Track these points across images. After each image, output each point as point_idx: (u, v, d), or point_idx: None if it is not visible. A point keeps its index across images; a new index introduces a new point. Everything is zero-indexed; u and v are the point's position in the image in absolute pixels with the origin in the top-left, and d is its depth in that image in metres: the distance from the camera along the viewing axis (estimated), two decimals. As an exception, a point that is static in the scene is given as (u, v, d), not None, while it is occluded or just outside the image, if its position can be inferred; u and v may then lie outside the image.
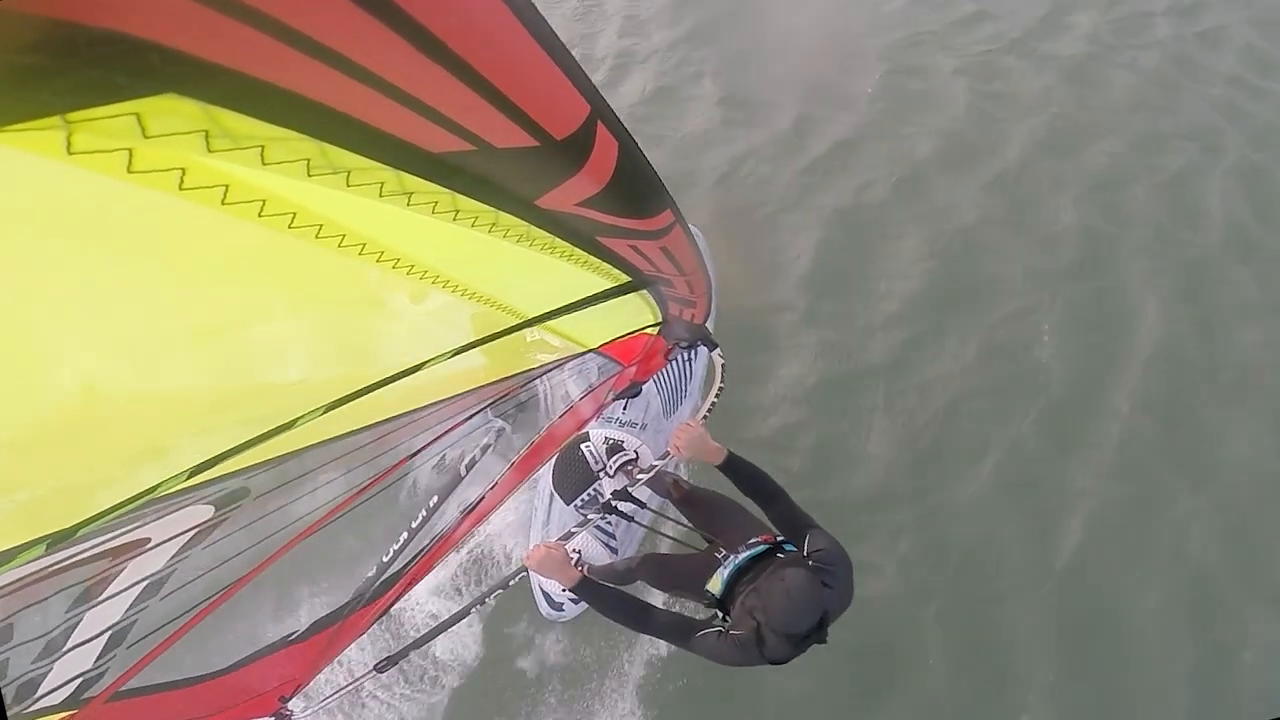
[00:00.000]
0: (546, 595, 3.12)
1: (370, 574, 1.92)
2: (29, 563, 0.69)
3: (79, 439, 0.75)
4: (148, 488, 0.80)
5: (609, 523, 3.20)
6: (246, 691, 1.68)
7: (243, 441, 1.00)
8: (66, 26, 0.41)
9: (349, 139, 0.63)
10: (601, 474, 3.24)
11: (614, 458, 3.24)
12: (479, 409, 1.79)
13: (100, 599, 0.92)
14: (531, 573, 3.13)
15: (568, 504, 3.24)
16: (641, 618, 2.14)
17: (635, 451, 3.26)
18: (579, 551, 3.11)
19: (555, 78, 0.76)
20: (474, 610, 2.48)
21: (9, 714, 0.88)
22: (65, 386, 0.71)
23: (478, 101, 0.69)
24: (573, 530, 2.45)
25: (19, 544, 0.65)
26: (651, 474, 2.50)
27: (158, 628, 1.11)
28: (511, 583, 2.53)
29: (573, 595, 2.98)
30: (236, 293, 0.86)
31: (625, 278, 1.40)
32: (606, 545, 3.18)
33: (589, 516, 2.49)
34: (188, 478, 0.89)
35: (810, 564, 2.06)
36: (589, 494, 3.24)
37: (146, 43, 0.44)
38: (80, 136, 0.49)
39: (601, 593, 2.17)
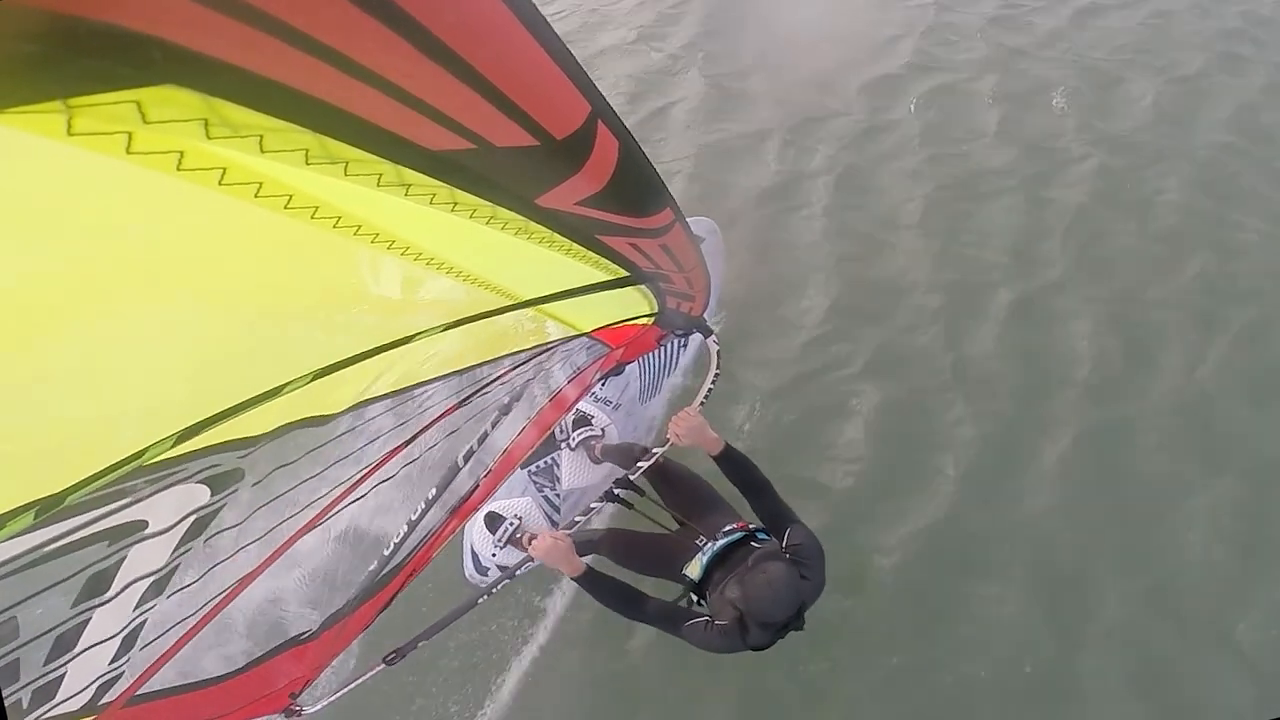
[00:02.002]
0: (475, 557, 3.04)
1: (372, 567, 1.96)
2: (21, 535, 0.71)
3: (62, 394, 0.76)
4: (134, 452, 0.82)
5: (558, 495, 3.17)
6: (258, 691, 1.71)
7: (230, 406, 1.02)
8: (69, 20, 0.41)
9: (348, 133, 0.64)
10: (563, 445, 3.22)
11: (579, 430, 3.20)
12: (470, 392, 1.81)
13: (106, 595, 0.94)
14: (464, 530, 3.15)
15: (522, 468, 3.21)
16: (635, 606, 2.23)
17: (602, 429, 3.22)
18: (520, 518, 3.04)
19: (556, 77, 0.77)
20: (480, 600, 2.50)
21: (30, 718, 0.91)
22: (47, 340, 0.72)
23: (477, 100, 0.69)
24: (592, 506, 2.47)
25: (7, 510, 0.67)
26: (653, 461, 2.53)
27: (168, 629, 1.13)
28: (518, 572, 2.55)
29: (501, 564, 3.00)
30: (226, 260, 0.87)
31: (623, 272, 1.41)
32: (548, 517, 3.15)
33: (593, 507, 2.52)
34: (175, 443, 0.91)
35: (788, 556, 2.12)
36: (545, 462, 3.21)
37: (148, 38, 0.45)
38: (81, 120, 0.50)
39: (601, 581, 2.25)
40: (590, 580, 2.22)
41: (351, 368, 1.22)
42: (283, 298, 1.03)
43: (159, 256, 0.78)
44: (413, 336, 1.33)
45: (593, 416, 3.24)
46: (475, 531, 3.05)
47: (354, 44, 0.55)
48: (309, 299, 1.10)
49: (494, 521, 3.02)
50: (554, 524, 3.13)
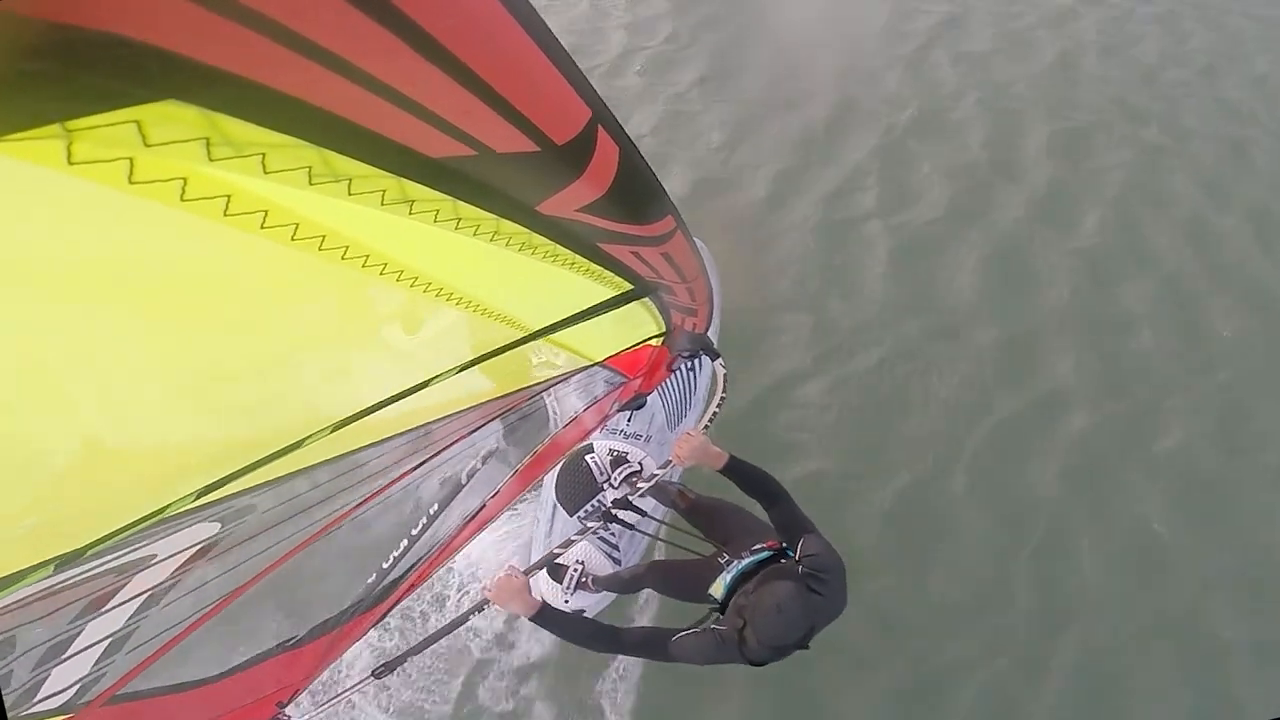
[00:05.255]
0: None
1: (370, 580, 1.91)
2: (37, 582, 0.68)
3: (89, 464, 0.74)
4: (156, 509, 0.79)
5: (612, 533, 3.17)
6: (244, 697, 1.66)
7: (251, 462, 0.99)
8: (65, 30, 0.41)
9: (350, 145, 0.63)
10: (606, 486, 3.23)
11: (618, 470, 3.23)
12: (484, 423, 1.78)
13: (103, 611, 0.91)
14: (533, 585, 3.12)
15: (570, 515, 3.21)
16: (611, 640, 2.10)
17: (640, 463, 3.25)
18: (581, 562, 3.07)
19: (556, 82, 0.77)
20: (470, 617, 2.44)
21: (8, 716, 0.87)
22: (74, 409, 0.71)
23: (478, 106, 0.69)
24: (573, 538, 2.44)
25: (28, 566, 0.64)
26: (652, 484, 2.50)
27: (157, 634, 1.09)
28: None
29: (576, 608, 2.97)
30: (241, 311, 0.86)
31: (627, 285, 1.40)
32: (609, 556, 3.15)
33: (588, 526, 2.49)
34: (196, 499, 0.88)
35: (802, 569, 2.04)
36: (592, 506, 3.22)
37: (146, 47, 0.44)
38: (81, 146, 0.49)
39: (563, 621, 2.13)
40: (551, 620, 2.07)
41: (370, 417, 1.20)
42: (301, 350, 1.02)
43: (175, 310, 0.77)
44: (430, 381, 1.32)
45: (627, 453, 3.27)
46: (543, 584, 3.08)
47: (354, 48, 0.54)
48: (326, 347, 1.09)
49: (558, 572, 3.04)
50: (616, 562, 3.16)
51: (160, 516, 0.80)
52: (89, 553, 0.71)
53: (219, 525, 1.01)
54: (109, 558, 0.81)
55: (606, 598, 3.11)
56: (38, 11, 0.39)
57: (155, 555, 0.92)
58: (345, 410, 1.15)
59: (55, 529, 0.72)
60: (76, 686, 0.98)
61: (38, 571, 0.66)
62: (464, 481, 2.04)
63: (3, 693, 0.83)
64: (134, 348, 0.74)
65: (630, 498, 2.53)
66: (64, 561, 0.68)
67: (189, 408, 0.86)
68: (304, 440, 1.08)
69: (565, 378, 2.08)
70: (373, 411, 1.20)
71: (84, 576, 0.79)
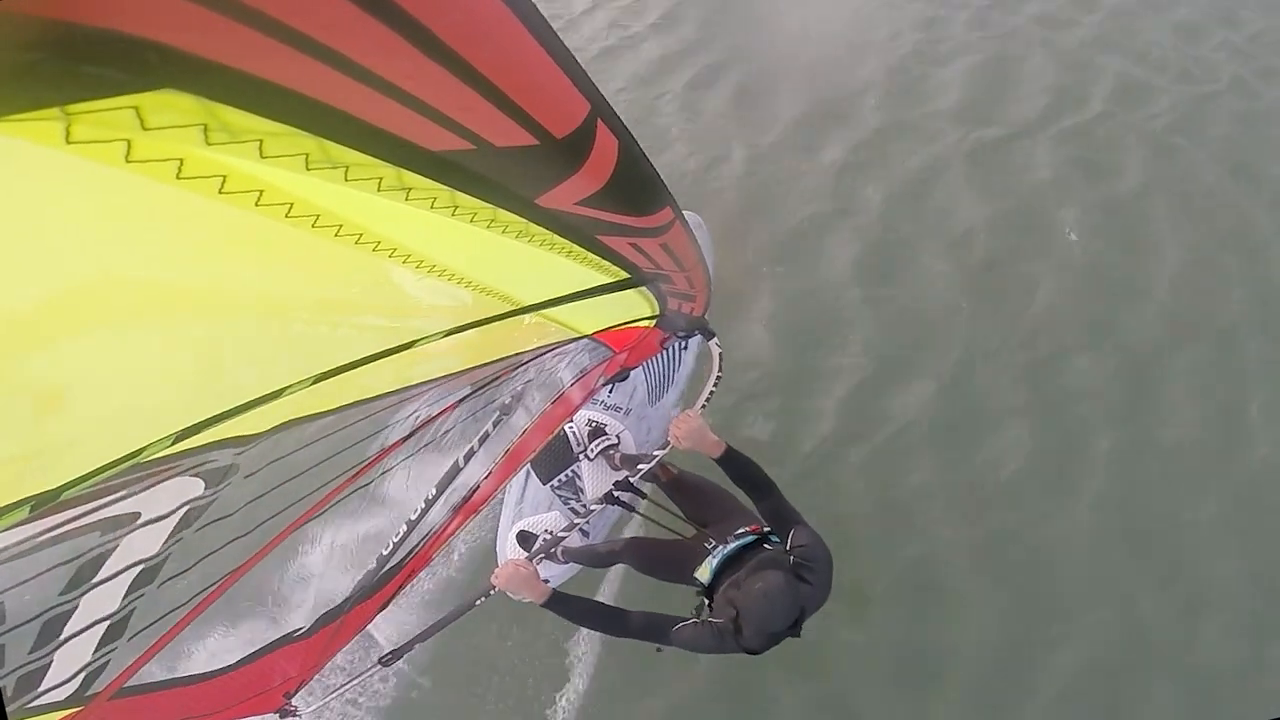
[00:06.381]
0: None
1: (371, 567, 1.94)
2: (14, 527, 0.70)
3: (64, 396, 0.75)
4: (133, 450, 0.81)
5: (583, 506, 3.19)
6: (250, 689, 1.69)
7: (231, 407, 1.01)
8: (64, 26, 0.41)
9: (348, 136, 0.63)
10: (581, 456, 3.22)
11: (595, 441, 3.21)
12: (471, 392, 1.80)
13: (94, 581, 0.94)
14: (499, 540, 3.16)
15: (544, 484, 3.22)
16: (616, 622, 2.20)
17: (617, 436, 3.24)
18: (549, 532, 3.09)
19: (555, 76, 0.76)
20: (478, 602, 2.49)
21: (10, 709, 0.90)
22: (51, 343, 0.71)
23: (477, 100, 0.69)
24: (579, 524, 2.46)
25: (2, 506, 0.66)
26: (654, 464, 2.52)
27: (157, 619, 1.12)
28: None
29: (543, 577, 3.03)
30: (228, 267, 0.86)
31: (624, 274, 1.41)
32: (579, 528, 3.16)
33: (591, 510, 2.50)
34: (173, 442, 0.90)
35: (791, 559, 2.10)
36: (566, 475, 3.22)
37: (144, 41, 0.44)
38: (79, 127, 0.49)
39: (572, 604, 2.22)
40: (560, 604, 2.18)
41: (353, 372, 1.22)
42: (285, 305, 1.03)
43: (160, 264, 0.77)
44: (415, 342, 1.33)
45: (606, 425, 3.25)
46: (510, 552, 3.09)
47: (353, 44, 0.54)
48: (311, 306, 1.09)
49: (527, 540, 3.05)
50: (585, 534, 3.16)
51: (137, 460, 0.81)
52: (65, 495, 0.73)
53: (203, 484, 1.03)
54: (90, 507, 0.83)
55: (572, 569, 3.14)
56: (36, 9, 0.39)
57: (139, 513, 0.94)
58: (326, 365, 1.16)
59: (30, 464, 0.73)
60: (81, 676, 1.00)
61: (13, 513, 0.68)
62: (461, 465, 2.06)
63: (7, 675, 0.86)
64: (116, 291, 0.74)
65: (631, 479, 2.55)
66: (40, 504, 0.70)
67: (170, 349, 0.86)
68: (284, 390, 1.10)
69: (553, 348, 2.09)
70: (353, 368, 1.21)
71: (65, 530, 0.81)
